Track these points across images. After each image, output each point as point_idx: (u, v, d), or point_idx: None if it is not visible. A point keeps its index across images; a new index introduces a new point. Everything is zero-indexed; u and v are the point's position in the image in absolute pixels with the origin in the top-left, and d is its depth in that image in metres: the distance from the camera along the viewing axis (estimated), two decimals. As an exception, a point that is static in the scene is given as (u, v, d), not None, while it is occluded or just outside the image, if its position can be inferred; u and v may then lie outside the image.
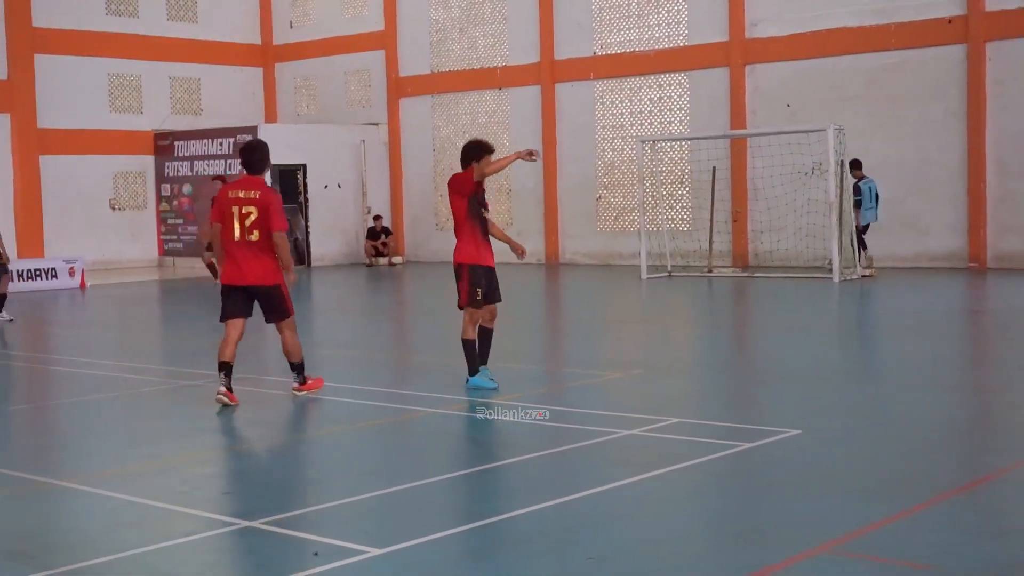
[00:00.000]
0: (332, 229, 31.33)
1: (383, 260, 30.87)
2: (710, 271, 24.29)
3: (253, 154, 10.60)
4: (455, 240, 10.94)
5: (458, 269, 10.86)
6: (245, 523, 6.74)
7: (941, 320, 16.31)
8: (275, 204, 10.37)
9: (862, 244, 22.48)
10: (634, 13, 27.92)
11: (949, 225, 23.78)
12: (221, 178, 23.07)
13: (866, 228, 22.43)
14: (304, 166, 30.70)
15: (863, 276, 21.76)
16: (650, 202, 26.14)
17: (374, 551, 6.13)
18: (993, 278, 21.54)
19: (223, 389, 10.41)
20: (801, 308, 18.28)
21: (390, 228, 31.83)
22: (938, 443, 8.53)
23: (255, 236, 10.31)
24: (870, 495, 7.00)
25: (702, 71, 26.90)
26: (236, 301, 10.52)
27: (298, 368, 10.88)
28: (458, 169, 10.97)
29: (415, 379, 11.95)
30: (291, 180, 30.98)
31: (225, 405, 10.35)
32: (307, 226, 30.88)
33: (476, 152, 10.81)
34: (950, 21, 23.57)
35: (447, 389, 11.11)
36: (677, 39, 27.36)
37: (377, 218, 31.22)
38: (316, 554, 6.10)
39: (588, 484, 7.37)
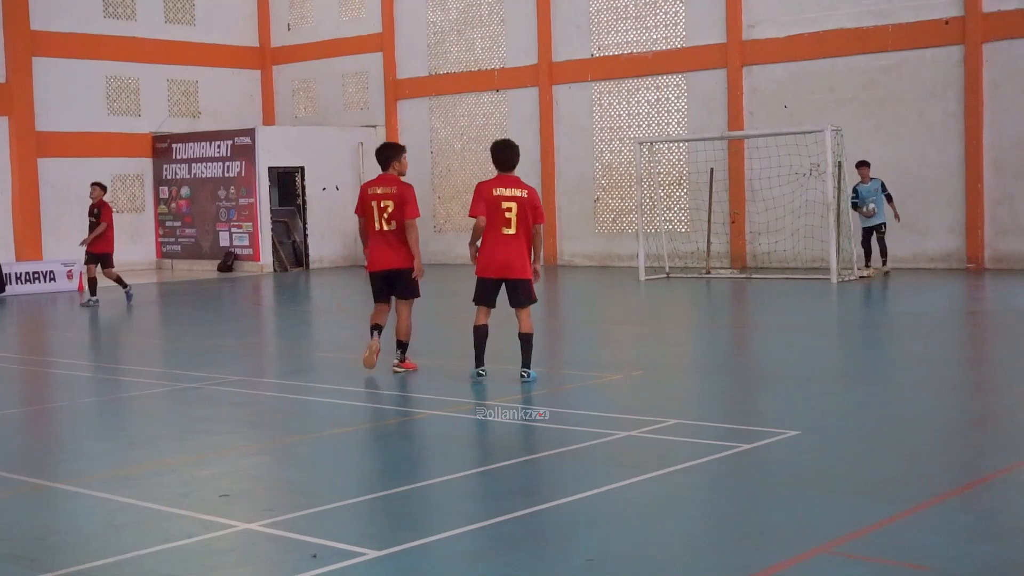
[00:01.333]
0: (330, 231, 31.30)
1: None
2: (708, 272, 24.31)
3: (382, 154, 12.04)
4: (517, 249, 11.23)
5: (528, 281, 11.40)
6: (243, 525, 6.74)
7: (939, 321, 16.31)
8: (409, 195, 11.75)
9: (868, 246, 22.38)
10: (632, 15, 27.94)
11: (947, 226, 23.81)
12: (100, 185, 21.88)
13: (875, 229, 22.25)
14: (302, 168, 30.70)
15: (860, 277, 21.79)
16: (648, 203, 26.16)
17: (373, 553, 6.13)
18: (991, 278, 21.56)
19: (374, 344, 11.91)
20: (799, 309, 18.28)
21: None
22: (936, 444, 8.54)
23: (392, 226, 11.75)
24: (868, 496, 7.00)
25: (700, 72, 26.92)
26: (382, 286, 12.01)
27: (403, 347, 12.08)
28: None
29: (414, 381, 11.94)
30: (289, 182, 30.99)
31: (374, 354, 11.85)
32: (305, 228, 30.87)
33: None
34: (947, 22, 23.59)
35: (445, 391, 11.11)
36: (675, 41, 27.38)
37: (375, 219, 31.18)
38: (315, 556, 6.10)
39: (587, 485, 7.37)
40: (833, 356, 13.50)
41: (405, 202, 11.70)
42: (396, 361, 12.10)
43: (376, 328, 11.99)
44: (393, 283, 11.94)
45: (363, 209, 11.91)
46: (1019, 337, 14.28)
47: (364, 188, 12.04)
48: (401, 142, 32.02)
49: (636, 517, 6.81)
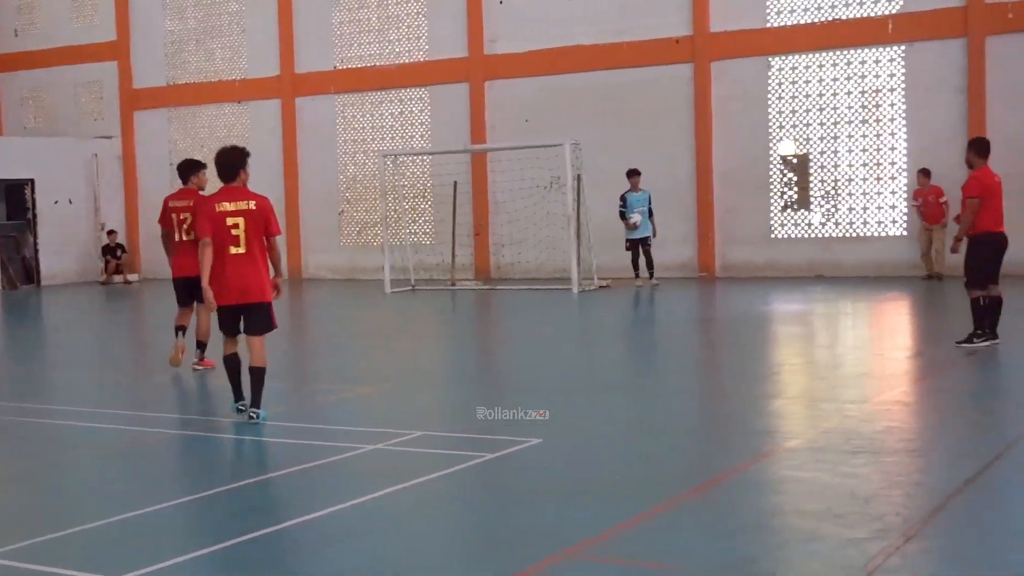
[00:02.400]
0: (64, 246, 30.08)
1: (118, 277, 29.86)
2: (453, 284, 24.53)
3: (181, 169, 13.77)
4: (252, 270, 10.02)
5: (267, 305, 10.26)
6: (-30, 557, 6.40)
7: (674, 328, 16.93)
8: (198, 211, 11.51)
9: (636, 259, 22.84)
10: (375, 28, 27.96)
11: (681, 237, 24.68)
12: None
13: (640, 243, 22.75)
14: (32, 181, 29.40)
15: (600, 287, 22.36)
16: (393, 216, 26.21)
17: (110, 579, 5.92)
18: (721, 287, 22.51)
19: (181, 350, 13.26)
20: (541, 319, 18.63)
21: (124, 245, 30.80)
22: (671, 448, 8.84)
23: (191, 236, 12.46)
24: (609, 500, 7.18)
25: (443, 86, 27.16)
26: (182, 288, 13.13)
27: (202, 347, 13.20)
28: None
29: (155, 400, 11.60)
30: (18, 196, 29.60)
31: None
32: (36, 244, 29.56)
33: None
34: (678, 41, 24.53)
35: (187, 410, 10.84)
36: (417, 54, 27.55)
37: (111, 233, 30.20)
38: (48, 585, 5.85)
39: (334, 500, 7.30)
40: (573, 364, 13.79)
41: (194, 217, 12.07)
42: (195, 360, 13.14)
43: (180, 329, 13.25)
44: (193, 292, 12.48)
45: (164, 220, 13.33)
46: (746, 343, 14.93)
47: (166, 201, 13.54)
48: (138, 154, 31.45)
49: (383, 530, 6.80)
